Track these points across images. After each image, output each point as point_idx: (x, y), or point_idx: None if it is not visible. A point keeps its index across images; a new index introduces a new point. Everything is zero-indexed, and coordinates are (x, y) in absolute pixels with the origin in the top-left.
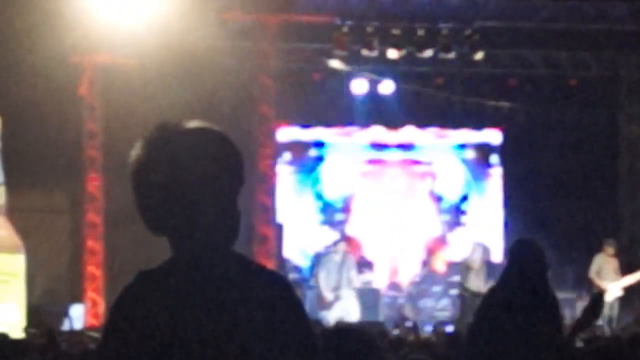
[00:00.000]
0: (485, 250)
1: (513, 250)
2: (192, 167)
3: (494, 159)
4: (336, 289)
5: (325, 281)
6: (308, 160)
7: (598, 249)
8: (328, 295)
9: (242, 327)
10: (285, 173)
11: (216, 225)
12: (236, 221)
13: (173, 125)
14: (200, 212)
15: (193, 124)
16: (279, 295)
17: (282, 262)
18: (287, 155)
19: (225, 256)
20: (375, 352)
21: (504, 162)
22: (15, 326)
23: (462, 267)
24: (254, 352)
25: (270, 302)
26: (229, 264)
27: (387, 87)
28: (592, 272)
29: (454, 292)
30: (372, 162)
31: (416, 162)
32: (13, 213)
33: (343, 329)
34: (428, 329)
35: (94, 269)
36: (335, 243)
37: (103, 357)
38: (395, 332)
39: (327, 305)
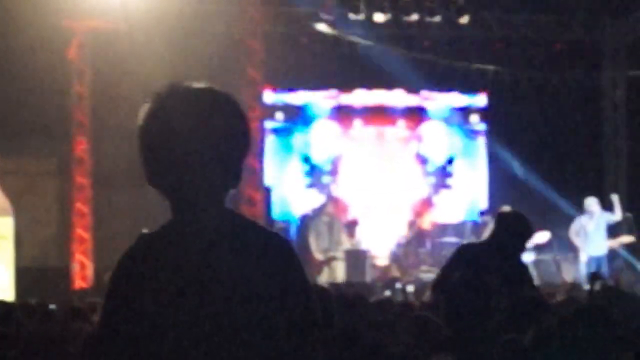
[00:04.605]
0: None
1: (503, 220)
2: (199, 122)
3: (479, 121)
4: (326, 251)
5: (315, 243)
6: (295, 124)
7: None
8: (319, 257)
9: (245, 286)
10: (272, 136)
11: (218, 185)
12: (236, 183)
13: (183, 84)
14: (202, 169)
15: (202, 84)
16: (281, 255)
17: (270, 224)
18: (274, 118)
19: (227, 216)
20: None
21: (489, 125)
22: (4, 288)
23: None
24: (256, 311)
25: (271, 261)
26: (231, 223)
27: (373, 50)
28: (572, 232)
29: (442, 253)
30: (358, 124)
31: (402, 125)
32: (1, 176)
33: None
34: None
35: (82, 232)
36: (323, 205)
37: (107, 320)
38: (386, 293)
39: (317, 268)
